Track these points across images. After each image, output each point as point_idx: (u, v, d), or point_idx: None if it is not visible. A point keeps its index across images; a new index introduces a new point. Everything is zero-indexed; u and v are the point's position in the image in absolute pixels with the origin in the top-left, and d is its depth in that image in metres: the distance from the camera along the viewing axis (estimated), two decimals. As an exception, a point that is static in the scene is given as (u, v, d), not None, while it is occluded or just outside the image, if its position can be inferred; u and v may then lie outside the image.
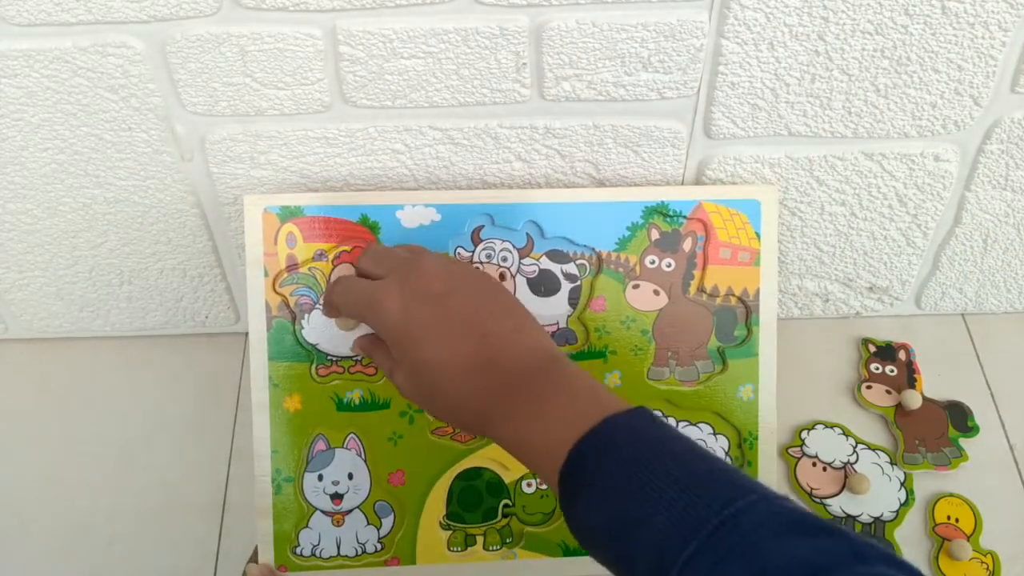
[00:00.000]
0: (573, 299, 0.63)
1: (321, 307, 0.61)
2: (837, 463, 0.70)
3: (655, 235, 0.63)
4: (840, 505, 0.68)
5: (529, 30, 0.56)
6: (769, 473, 0.64)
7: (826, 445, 0.71)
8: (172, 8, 0.54)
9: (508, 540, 0.63)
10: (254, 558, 0.62)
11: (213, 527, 0.68)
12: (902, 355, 0.76)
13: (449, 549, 0.62)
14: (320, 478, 0.62)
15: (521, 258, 0.63)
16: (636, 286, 0.64)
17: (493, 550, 0.62)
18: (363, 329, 0.60)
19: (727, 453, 0.64)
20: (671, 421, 0.64)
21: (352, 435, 0.62)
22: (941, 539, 0.66)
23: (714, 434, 0.64)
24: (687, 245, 0.64)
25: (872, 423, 0.73)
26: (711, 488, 0.42)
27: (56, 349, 0.77)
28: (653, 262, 0.64)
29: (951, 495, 0.69)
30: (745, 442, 0.64)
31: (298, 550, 0.62)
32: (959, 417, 0.72)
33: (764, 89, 0.60)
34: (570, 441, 0.46)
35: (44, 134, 0.61)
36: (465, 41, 0.56)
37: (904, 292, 0.77)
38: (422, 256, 0.55)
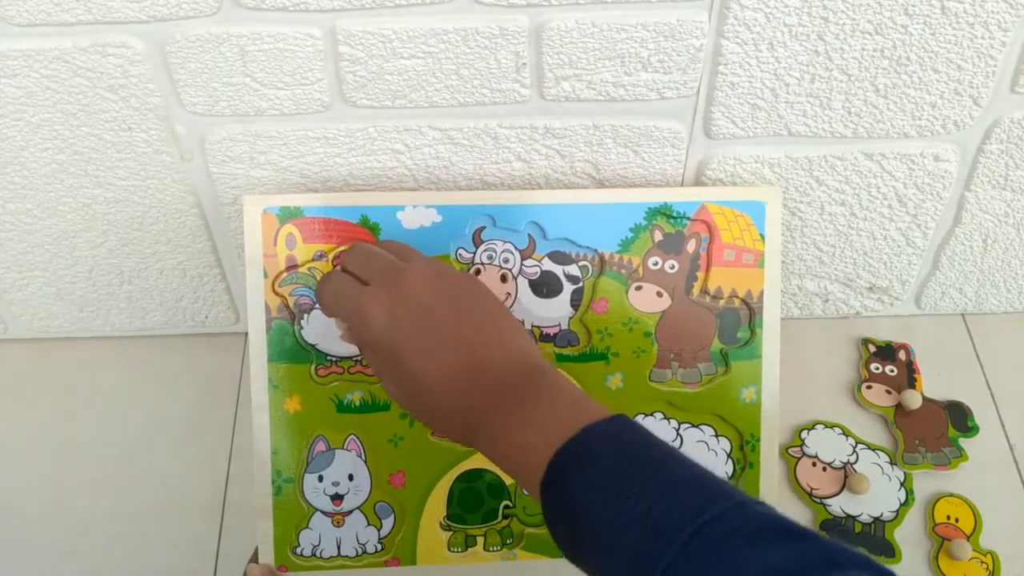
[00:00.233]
0: (575, 301, 0.63)
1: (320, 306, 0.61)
2: (837, 463, 0.70)
3: (659, 236, 0.63)
4: (840, 505, 0.68)
5: (529, 30, 0.56)
6: (771, 476, 0.64)
7: (826, 445, 0.71)
8: (172, 8, 0.54)
9: (508, 541, 0.63)
10: (255, 558, 0.62)
11: (213, 527, 0.68)
12: (902, 355, 0.76)
13: (449, 550, 0.62)
14: (320, 479, 0.62)
15: (523, 259, 0.63)
16: (639, 288, 0.64)
17: (493, 551, 0.62)
18: None
19: (729, 455, 0.64)
20: (673, 423, 0.64)
21: (352, 436, 0.62)
22: (941, 539, 0.67)
23: (716, 436, 0.64)
24: (691, 247, 0.63)
25: (872, 423, 0.73)
26: (687, 495, 0.42)
27: (56, 349, 0.77)
28: (656, 264, 0.63)
29: (951, 495, 0.69)
30: (747, 444, 0.64)
31: (298, 550, 0.62)
32: (959, 417, 0.72)
33: (764, 89, 0.60)
34: (550, 450, 0.45)
35: (44, 134, 0.61)
36: (465, 41, 0.56)
37: (904, 292, 0.77)
38: (409, 262, 0.54)
